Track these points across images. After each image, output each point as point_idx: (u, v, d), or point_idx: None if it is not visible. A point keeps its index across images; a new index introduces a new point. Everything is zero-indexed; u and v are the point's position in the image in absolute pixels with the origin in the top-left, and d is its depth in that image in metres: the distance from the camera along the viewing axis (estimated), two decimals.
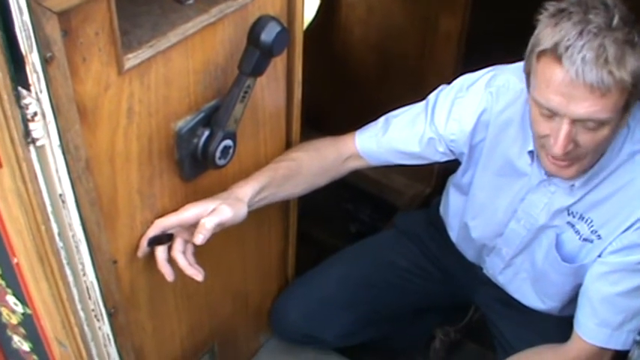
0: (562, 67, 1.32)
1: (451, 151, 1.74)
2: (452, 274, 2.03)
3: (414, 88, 2.54)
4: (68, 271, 1.24)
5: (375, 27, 2.53)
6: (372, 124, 1.81)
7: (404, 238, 2.08)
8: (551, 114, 1.39)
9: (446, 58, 2.41)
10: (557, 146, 1.40)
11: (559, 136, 1.39)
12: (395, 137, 1.76)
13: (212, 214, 1.45)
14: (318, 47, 2.27)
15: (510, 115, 1.62)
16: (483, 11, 2.36)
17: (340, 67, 2.69)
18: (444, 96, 1.72)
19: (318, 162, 1.75)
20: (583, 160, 1.46)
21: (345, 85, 2.71)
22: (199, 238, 1.43)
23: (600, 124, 1.37)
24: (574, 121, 1.37)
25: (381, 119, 1.80)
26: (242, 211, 1.52)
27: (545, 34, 1.35)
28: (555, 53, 1.33)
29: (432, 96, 1.75)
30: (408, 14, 2.43)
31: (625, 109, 1.39)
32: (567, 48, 1.31)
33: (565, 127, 1.38)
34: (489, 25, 2.41)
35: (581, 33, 1.30)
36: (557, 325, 1.77)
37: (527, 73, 1.45)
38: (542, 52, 1.36)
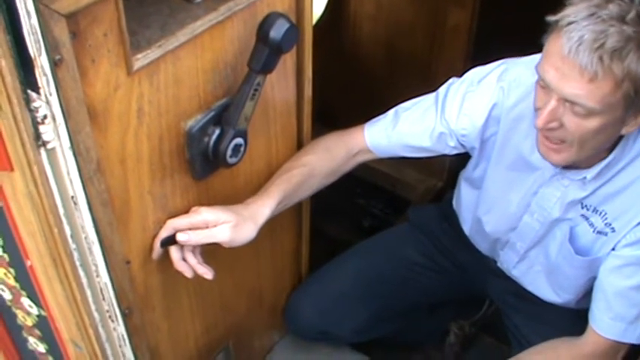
0: (560, 41, 1.31)
1: (462, 145, 1.73)
2: (466, 268, 2.02)
3: (423, 83, 2.52)
4: (82, 273, 1.24)
5: (384, 22, 2.52)
6: (382, 117, 1.80)
7: (417, 233, 2.07)
8: (547, 88, 1.38)
9: (455, 52, 2.40)
10: (540, 118, 1.40)
11: (545, 108, 1.39)
12: (405, 132, 1.75)
13: (211, 230, 1.44)
14: (327, 43, 2.26)
15: (522, 110, 1.60)
16: (492, 4, 2.35)
17: (350, 63, 2.69)
18: (454, 90, 1.71)
19: (329, 162, 1.74)
20: (570, 149, 1.44)
21: (354, 80, 2.71)
22: (183, 237, 1.41)
23: (588, 112, 1.35)
24: (563, 101, 1.36)
25: (391, 112, 1.79)
26: (246, 234, 1.50)
27: (565, 7, 1.33)
28: (558, 25, 1.32)
29: (442, 89, 1.74)
30: (417, 9, 2.42)
31: (624, 111, 1.36)
32: (570, 23, 1.29)
33: (552, 103, 1.37)
34: (499, 18, 2.40)
35: (590, 15, 1.29)
36: (573, 318, 1.76)
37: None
38: (552, 24, 1.34)
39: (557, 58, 1.32)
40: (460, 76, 1.73)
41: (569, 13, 1.31)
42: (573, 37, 1.28)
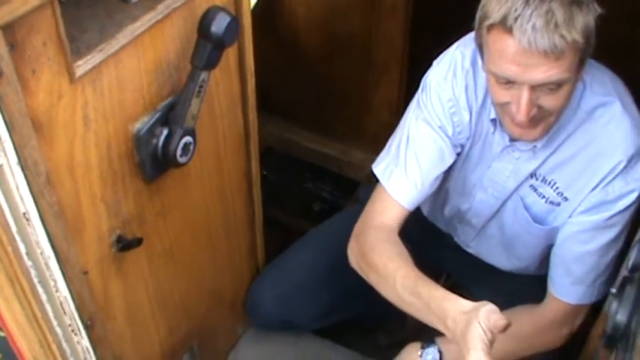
0: (514, 38, 1.31)
1: (461, 145, 1.68)
2: (421, 244, 2.01)
3: (363, 64, 2.53)
4: (40, 289, 1.21)
5: (319, 6, 2.50)
6: (395, 171, 1.69)
7: None
8: (509, 82, 1.38)
9: (394, 30, 2.39)
10: (521, 113, 1.39)
11: (521, 102, 1.38)
12: (423, 167, 1.67)
13: None
14: (263, 31, 2.24)
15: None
16: None
17: (287, 49, 2.66)
18: (428, 102, 1.65)
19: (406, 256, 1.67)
20: (548, 119, 1.45)
21: (293, 66, 2.69)
22: None
23: (559, 84, 1.37)
24: (533, 87, 1.36)
25: (399, 164, 1.69)
26: None
27: (492, 6, 1.34)
28: (505, 25, 1.32)
29: (414, 109, 1.68)
30: None
31: (580, 65, 1.39)
32: (516, 19, 1.30)
33: (525, 94, 1.37)
34: None
35: (527, 1, 1.30)
36: (531, 285, 1.78)
37: (479, 45, 1.45)
38: (492, 25, 1.35)
39: (515, 55, 1.32)
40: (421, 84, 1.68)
41: (508, 11, 1.31)
42: (527, 30, 1.29)
